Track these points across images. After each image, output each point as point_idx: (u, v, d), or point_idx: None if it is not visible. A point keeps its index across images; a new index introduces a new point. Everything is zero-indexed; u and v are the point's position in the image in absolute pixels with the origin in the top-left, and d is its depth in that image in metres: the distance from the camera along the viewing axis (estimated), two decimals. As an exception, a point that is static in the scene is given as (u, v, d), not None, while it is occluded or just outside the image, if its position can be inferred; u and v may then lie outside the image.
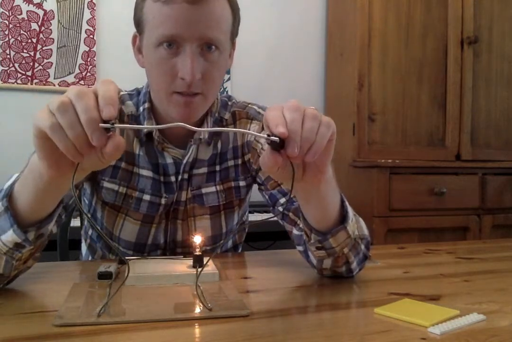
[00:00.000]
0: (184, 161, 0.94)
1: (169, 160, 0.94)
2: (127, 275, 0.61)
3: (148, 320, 0.56)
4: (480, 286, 0.76)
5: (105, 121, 0.50)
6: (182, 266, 0.78)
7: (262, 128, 0.98)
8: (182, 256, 0.85)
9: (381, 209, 2.12)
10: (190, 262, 0.78)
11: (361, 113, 2.24)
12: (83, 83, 2.25)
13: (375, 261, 0.92)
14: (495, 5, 2.47)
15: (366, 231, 0.80)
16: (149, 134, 0.93)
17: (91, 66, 2.26)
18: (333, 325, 0.56)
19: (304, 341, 0.51)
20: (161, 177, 0.95)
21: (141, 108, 0.94)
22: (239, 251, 1.12)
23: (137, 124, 0.95)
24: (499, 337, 0.53)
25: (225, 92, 2.45)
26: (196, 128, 0.55)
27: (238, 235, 1.10)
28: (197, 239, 0.76)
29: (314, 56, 2.65)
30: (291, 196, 0.83)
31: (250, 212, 1.36)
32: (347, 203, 0.74)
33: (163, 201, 0.95)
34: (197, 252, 0.76)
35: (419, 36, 2.34)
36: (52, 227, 0.69)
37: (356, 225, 0.76)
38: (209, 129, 0.52)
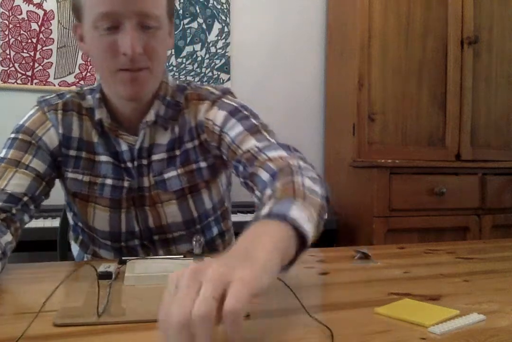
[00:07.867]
0: (137, 146, 0.94)
1: (124, 147, 0.95)
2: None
3: (148, 320, 0.56)
4: (480, 286, 0.75)
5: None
6: (182, 266, 0.78)
7: (212, 106, 0.96)
8: (182, 256, 0.85)
9: (381, 209, 2.12)
10: (190, 262, 0.78)
11: (361, 113, 2.24)
12: (83, 83, 2.25)
13: (375, 261, 0.92)
14: (495, 5, 2.47)
15: (320, 200, 0.69)
16: (102, 123, 0.94)
17: (91, 66, 2.26)
18: (333, 325, 0.56)
19: (304, 341, 0.51)
20: (121, 163, 0.96)
21: (94, 99, 0.95)
22: (227, 238, 1.10)
23: (93, 116, 0.94)
24: (499, 337, 0.53)
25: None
26: None
27: (223, 222, 1.08)
28: (197, 239, 0.76)
29: (314, 56, 2.65)
30: None
31: (233, 213, 1.35)
32: (303, 228, 0.58)
33: (125, 184, 0.95)
34: (197, 252, 0.76)
35: (419, 36, 2.34)
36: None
37: (311, 212, 0.63)
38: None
